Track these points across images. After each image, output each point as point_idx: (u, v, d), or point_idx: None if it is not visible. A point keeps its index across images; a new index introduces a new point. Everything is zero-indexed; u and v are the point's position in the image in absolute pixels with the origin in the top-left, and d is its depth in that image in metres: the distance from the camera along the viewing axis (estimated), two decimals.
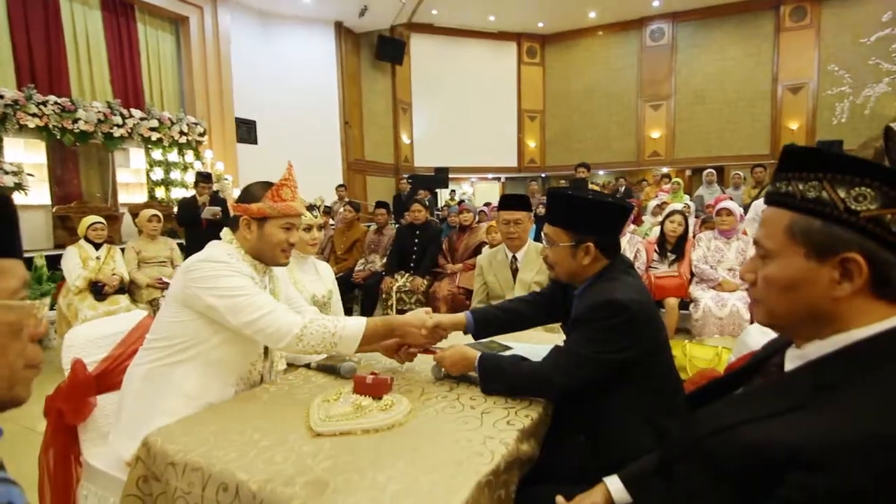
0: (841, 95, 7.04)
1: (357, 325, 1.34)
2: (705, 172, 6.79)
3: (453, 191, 11.65)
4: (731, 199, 4.56)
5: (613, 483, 0.99)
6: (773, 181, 0.73)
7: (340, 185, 8.48)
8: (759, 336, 1.31)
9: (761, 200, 4.33)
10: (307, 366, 1.57)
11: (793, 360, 0.72)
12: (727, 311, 3.32)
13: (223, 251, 1.38)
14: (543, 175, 13.79)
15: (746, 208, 4.73)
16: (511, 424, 1.14)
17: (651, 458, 1.01)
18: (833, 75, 7.78)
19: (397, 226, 5.36)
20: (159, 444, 1.07)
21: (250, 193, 1.43)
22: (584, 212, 1.32)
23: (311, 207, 1.98)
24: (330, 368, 1.50)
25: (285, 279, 1.64)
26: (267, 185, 1.42)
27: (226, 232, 1.45)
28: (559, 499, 0.95)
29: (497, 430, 1.11)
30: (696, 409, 0.84)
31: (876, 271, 0.62)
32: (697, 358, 2.60)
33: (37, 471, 1.47)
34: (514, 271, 2.47)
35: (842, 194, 0.63)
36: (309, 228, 1.96)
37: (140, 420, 1.26)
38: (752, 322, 3.32)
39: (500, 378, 1.31)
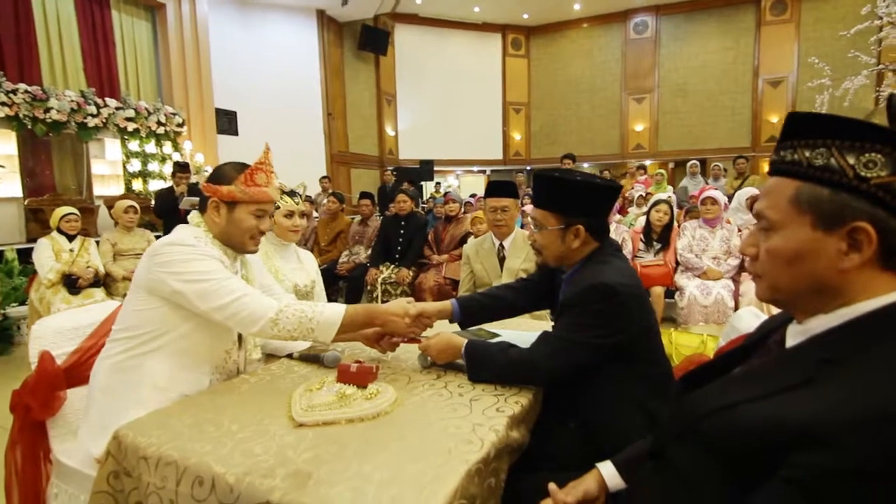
0: (821, 87, 7.13)
1: (335, 311, 1.28)
2: (689, 164, 6.85)
3: (438, 183, 11.58)
4: (716, 188, 4.59)
5: (606, 468, 0.97)
6: (776, 150, 0.69)
7: (324, 177, 8.36)
8: (751, 319, 1.30)
9: (745, 190, 4.37)
10: (289, 356, 1.52)
11: (794, 336, 0.69)
12: (712, 299, 3.34)
13: (190, 234, 1.31)
14: (528, 168, 13.79)
15: (730, 199, 4.77)
16: (501, 411, 1.11)
17: (644, 443, 0.98)
18: (813, 68, 7.87)
19: (382, 217, 5.30)
20: (130, 438, 1.01)
21: (222, 174, 1.34)
22: (572, 193, 1.29)
23: (291, 193, 1.91)
24: (313, 358, 1.45)
25: (260, 266, 1.57)
26: (241, 168, 1.34)
27: (194, 215, 1.37)
28: (552, 486, 0.92)
29: (486, 418, 1.08)
30: (688, 392, 0.81)
31: (884, 242, 0.60)
32: (683, 346, 2.60)
33: (3, 469, 1.40)
34: (502, 259, 2.44)
35: (851, 161, 0.60)
36: (290, 214, 1.89)
37: (110, 415, 1.19)
38: (736, 309, 3.35)
39: (488, 365, 1.27)
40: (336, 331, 1.26)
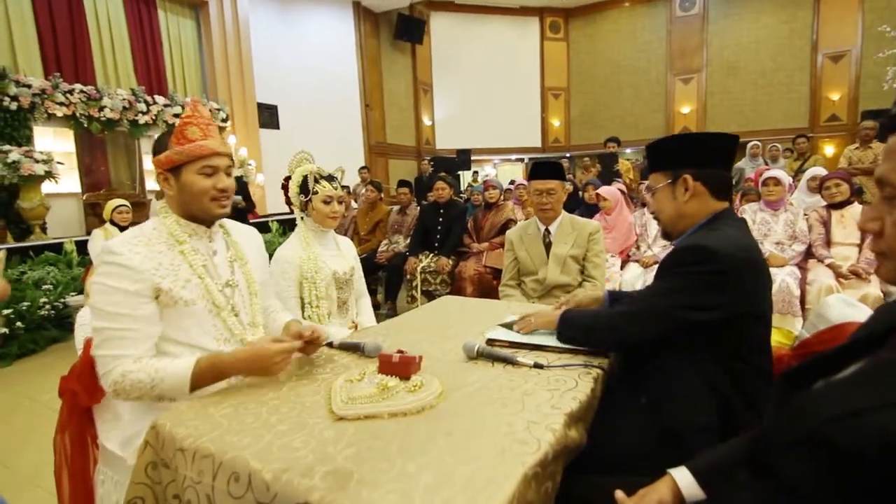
0: (891, 58, 6.53)
1: (181, 372, 1.12)
2: (750, 144, 6.39)
3: (476, 172, 11.44)
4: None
5: (682, 475, 0.85)
6: None
7: (363, 167, 8.38)
8: (842, 308, 1.14)
9: (815, 168, 4.02)
10: (329, 344, 1.46)
11: None
12: (776, 287, 3.08)
13: (128, 237, 1.18)
14: (568, 154, 13.41)
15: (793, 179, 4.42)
16: (556, 408, 1.01)
17: (725, 449, 0.86)
18: (882, 38, 7.21)
19: (420, 205, 5.23)
20: (168, 428, 0.97)
21: (159, 143, 1.23)
22: (678, 146, 1.21)
23: (330, 178, 1.86)
24: (353, 346, 1.39)
25: (262, 257, 1.46)
26: (173, 129, 1.22)
27: (159, 201, 1.28)
28: (619, 494, 0.81)
29: (542, 415, 0.98)
30: (793, 391, 0.68)
31: None
32: None
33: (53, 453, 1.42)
34: (548, 245, 2.31)
35: None
36: (329, 200, 1.83)
37: (143, 408, 1.16)
38: (802, 299, 3.09)
39: (578, 324, 1.25)
40: (188, 391, 1.13)
